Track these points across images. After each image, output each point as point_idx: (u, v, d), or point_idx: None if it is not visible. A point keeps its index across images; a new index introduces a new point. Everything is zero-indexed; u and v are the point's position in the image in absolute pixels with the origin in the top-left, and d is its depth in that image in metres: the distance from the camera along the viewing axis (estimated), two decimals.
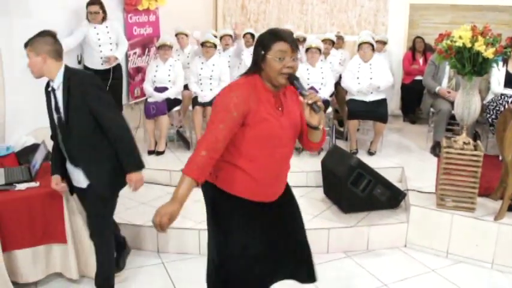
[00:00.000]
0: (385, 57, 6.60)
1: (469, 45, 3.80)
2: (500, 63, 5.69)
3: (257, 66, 2.34)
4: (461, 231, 4.02)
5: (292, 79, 2.30)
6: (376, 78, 5.59)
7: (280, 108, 2.37)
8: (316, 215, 4.37)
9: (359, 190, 4.26)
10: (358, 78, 5.67)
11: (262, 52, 2.30)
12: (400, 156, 5.55)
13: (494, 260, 3.94)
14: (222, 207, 2.45)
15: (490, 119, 5.44)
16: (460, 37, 3.83)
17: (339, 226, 4.19)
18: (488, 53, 3.76)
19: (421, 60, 7.38)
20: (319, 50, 5.80)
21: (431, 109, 5.88)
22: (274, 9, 8.81)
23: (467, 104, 3.99)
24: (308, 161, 5.34)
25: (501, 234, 3.89)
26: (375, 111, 5.56)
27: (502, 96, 5.48)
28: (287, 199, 2.59)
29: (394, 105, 7.49)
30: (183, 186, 2.17)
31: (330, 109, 5.77)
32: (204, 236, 4.07)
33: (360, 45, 5.78)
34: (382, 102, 5.64)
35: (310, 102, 2.22)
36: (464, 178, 3.96)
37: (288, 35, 2.34)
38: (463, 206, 4.02)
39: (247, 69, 2.43)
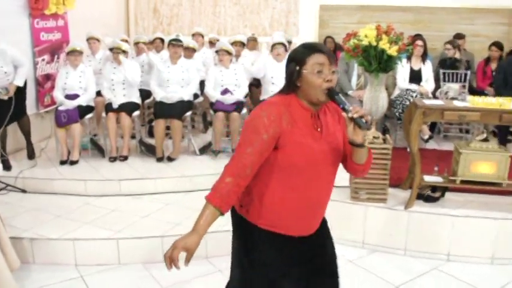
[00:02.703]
0: None
1: (374, 43, 3.95)
2: (405, 60, 5.99)
3: (292, 84, 2.09)
4: (375, 222, 4.19)
5: (333, 94, 2.05)
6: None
7: (319, 129, 2.12)
8: None
9: None
10: (272, 77, 5.75)
11: (297, 67, 2.06)
12: None
13: (406, 247, 4.14)
14: (253, 242, 2.20)
15: (397, 113, 5.71)
16: (366, 36, 3.97)
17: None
18: (392, 50, 3.94)
19: None
20: (229, 52, 5.83)
21: None
22: (186, 12, 8.78)
23: (375, 100, 4.15)
24: (224, 162, 5.30)
25: (411, 221, 4.11)
26: None
27: (407, 91, 5.78)
28: (322, 231, 2.31)
29: None
30: (205, 216, 1.97)
31: (244, 110, 5.81)
32: (124, 244, 4.07)
33: (272, 46, 5.88)
34: None
35: (355, 116, 1.97)
36: (376, 171, 4.12)
37: (323, 46, 2.15)
38: (375, 197, 4.19)
39: (281, 88, 2.18)
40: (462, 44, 7.16)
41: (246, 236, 2.22)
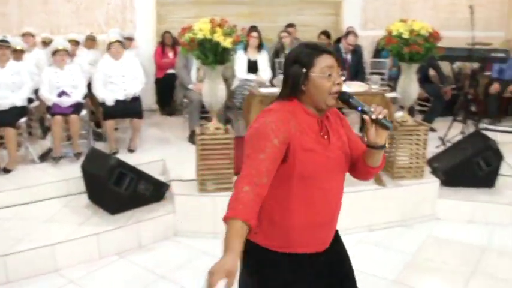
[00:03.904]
0: (135, 54, 6.62)
1: (209, 36, 4.00)
2: (242, 52, 6.18)
3: (296, 88, 1.91)
4: (224, 211, 4.24)
5: (346, 97, 1.91)
6: (127, 77, 5.59)
7: (326, 136, 1.95)
8: (83, 222, 4.20)
9: (122, 189, 4.22)
10: (110, 76, 5.58)
11: (303, 70, 1.88)
12: (161, 149, 5.66)
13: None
14: (267, 268, 1.99)
15: (238, 103, 5.87)
16: (201, 29, 4.01)
17: (108, 229, 4.09)
18: (227, 42, 4.02)
19: (171, 54, 7.58)
20: (67, 51, 5.56)
21: (185, 100, 6.11)
22: (14, 10, 8.12)
23: (214, 92, 4.22)
24: (66, 168, 5.10)
25: None
26: (130, 109, 5.56)
27: (246, 81, 5.96)
28: (336, 245, 2.13)
29: (150, 100, 7.55)
30: (232, 235, 1.66)
31: (84, 112, 5.58)
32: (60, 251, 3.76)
33: (109, 44, 5.70)
34: (136, 99, 5.66)
35: (380, 117, 1.84)
36: (220, 161, 4.20)
37: (329, 47, 1.99)
38: (222, 187, 4.27)
39: (280, 93, 2.00)
40: (293, 32, 7.53)
41: (257, 264, 2.01)
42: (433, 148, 5.53)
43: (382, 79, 7.45)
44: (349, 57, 6.59)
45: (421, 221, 4.57)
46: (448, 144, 5.61)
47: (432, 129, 6.36)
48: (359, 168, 2.05)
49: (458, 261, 3.98)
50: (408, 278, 3.72)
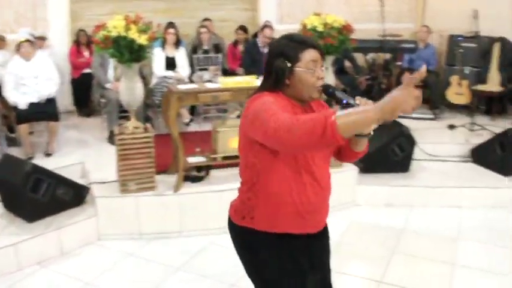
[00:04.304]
0: (49, 54, 6.37)
1: (123, 34, 3.93)
2: (159, 48, 6.10)
3: (280, 82, 1.93)
4: (148, 210, 4.22)
5: (330, 91, 1.93)
6: (40, 78, 5.37)
7: None
8: None
9: (40, 196, 4.06)
10: (22, 78, 5.34)
11: (289, 64, 1.90)
12: (80, 151, 5.49)
13: (181, 228, 4.27)
14: (268, 252, 2.04)
15: (157, 101, 5.80)
16: (115, 27, 3.93)
17: (26, 238, 3.92)
18: (142, 39, 3.96)
19: (86, 53, 7.35)
20: None
21: (102, 100, 5.96)
22: None
23: (131, 90, 4.16)
24: None
25: (182, 203, 4.26)
26: (45, 111, 5.34)
27: (164, 79, 5.90)
28: (325, 229, 2.23)
29: (66, 102, 7.25)
30: (353, 114, 1.63)
31: None
32: None
33: (18, 44, 5.45)
34: (51, 101, 5.45)
35: None
36: (141, 160, 4.15)
37: (313, 40, 1.99)
38: (145, 186, 4.22)
39: (260, 86, 2.02)
40: (210, 26, 7.53)
41: (257, 249, 2.06)
42: None
43: None
44: (266, 50, 6.66)
45: (342, 208, 4.71)
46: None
47: None
48: (345, 153, 2.12)
49: (379, 244, 4.15)
50: (332, 264, 3.82)
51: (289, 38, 1.96)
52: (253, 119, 1.85)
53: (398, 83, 7.62)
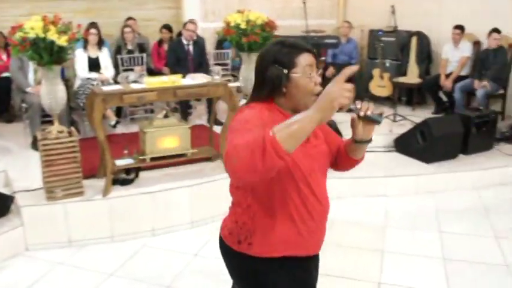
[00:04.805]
0: None
1: (42, 35, 3.79)
2: (81, 49, 5.94)
3: (277, 90, 1.80)
4: (77, 217, 4.11)
5: None
6: None
7: None
8: None
9: None
10: None
11: (285, 71, 1.77)
12: (2, 159, 5.24)
13: (113, 233, 4.19)
14: (268, 278, 1.89)
15: (81, 104, 5.64)
16: (32, 28, 3.78)
17: None
18: (62, 40, 3.84)
19: (4, 56, 7.03)
20: None
21: (23, 104, 5.73)
22: None
23: (53, 93, 4.02)
24: None
25: (112, 207, 4.17)
26: None
27: (88, 80, 5.75)
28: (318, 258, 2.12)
29: None
30: (293, 120, 1.49)
31: None
32: None
33: None
34: None
35: (369, 113, 1.77)
36: (67, 165, 4.02)
37: (305, 43, 1.86)
38: (72, 192, 4.10)
39: (252, 95, 1.87)
40: (133, 25, 7.40)
41: (255, 275, 1.91)
42: None
43: (226, 69, 7.64)
44: (191, 48, 6.63)
45: None
46: None
47: None
48: (342, 161, 2.04)
49: None
50: None
51: (280, 44, 1.83)
52: (228, 134, 1.73)
53: (323, 77, 7.80)
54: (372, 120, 1.80)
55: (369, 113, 1.78)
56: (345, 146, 1.99)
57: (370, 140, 1.89)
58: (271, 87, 1.80)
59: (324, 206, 1.96)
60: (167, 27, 7.52)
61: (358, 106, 1.79)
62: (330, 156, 2.01)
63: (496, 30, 6.53)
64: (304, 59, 1.78)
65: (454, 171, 5.35)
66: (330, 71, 7.68)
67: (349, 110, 1.77)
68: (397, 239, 4.21)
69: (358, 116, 1.80)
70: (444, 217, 4.65)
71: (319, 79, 1.81)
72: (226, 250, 1.98)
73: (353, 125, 1.84)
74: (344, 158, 2.02)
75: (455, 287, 3.53)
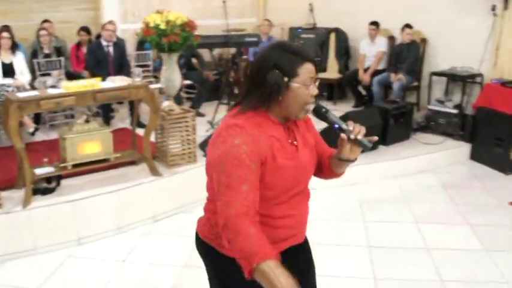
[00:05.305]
0: None
1: None
2: None
3: (274, 98, 1.72)
4: None
5: (323, 112, 1.82)
6: None
7: (295, 142, 1.83)
8: None
9: None
10: None
11: (285, 79, 1.69)
12: None
13: (36, 245, 4.01)
14: (240, 278, 1.69)
15: None
16: None
17: None
18: None
19: None
20: None
21: None
22: None
23: None
24: None
25: (34, 218, 3.99)
26: None
27: (2, 87, 5.51)
28: (307, 248, 2.09)
29: None
30: (273, 275, 1.46)
31: None
32: None
33: None
34: None
35: (359, 137, 1.77)
36: None
37: (308, 51, 1.78)
38: None
39: (241, 101, 1.80)
40: (50, 27, 7.13)
41: (229, 273, 1.82)
42: (204, 132, 5.80)
43: (148, 71, 7.54)
44: (111, 50, 6.49)
45: (200, 203, 4.73)
46: (216, 127, 5.92)
47: (200, 114, 6.67)
48: (324, 171, 2.02)
49: None
50: (197, 260, 3.85)
51: (282, 48, 1.75)
52: (217, 165, 1.69)
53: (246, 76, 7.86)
54: (361, 145, 1.81)
55: (359, 137, 1.78)
56: (329, 158, 1.98)
57: (354, 160, 1.89)
58: (269, 94, 1.72)
59: (306, 204, 1.97)
60: (85, 29, 7.31)
61: (351, 128, 1.79)
62: (316, 162, 1.98)
63: (408, 26, 6.84)
64: (307, 70, 1.73)
65: (375, 162, 5.56)
66: None
67: (341, 130, 1.80)
68: (324, 231, 4.32)
69: (348, 138, 1.80)
70: (367, 207, 4.84)
71: (316, 91, 1.77)
72: (200, 244, 1.98)
73: (341, 144, 1.83)
74: (326, 169, 2.01)
75: (380, 272, 3.68)
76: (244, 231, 1.56)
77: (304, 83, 1.72)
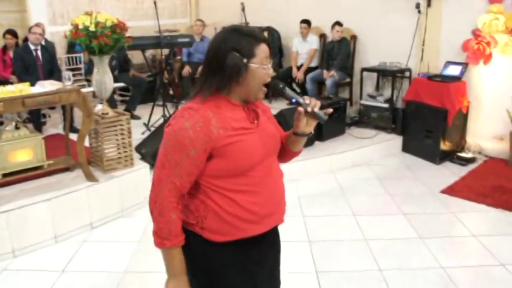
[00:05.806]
0: None
1: None
2: None
3: (234, 80, 1.77)
4: None
5: (280, 88, 1.88)
6: None
7: (255, 121, 1.88)
8: None
9: None
10: None
11: (244, 60, 1.74)
12: None
13: None
14: (218, 263, 1.90)
15: None
16: None
17: None
18: None
19: None
20: None
21: None
22: None
23: None
24: None
25: None
26: None
27: None
28: (276, 236, 2.16)
29: None
30: (174, 258, 1.83)
31: None
32: None
33: None
34: None
35: (316, 110, 1.82)
36: None
37: (261, 33, 1.84)
38: None
39: (201, 87, 1.81)
40: None
41: (208, 259, 1.90)
42: (140, 135, 5.72)
43: (80, 74, 7.36)
44: (39, 53, 6.28)
45: (139, 207, 4.71)
46: (152, 129, 5.88)
47: (136, 117, 6.58)
48: (282, 153, 2.07)
49: None
50: (138, 265, 3.82)
51: (237, 31, 1.80)
52: (163, 142, 1.79)
53: (180, 76, 7.83)
54: (317, 117, 1.86)
55: (316, 109, 1.83)
56: (285, 138, 2.06)
57: (310, 134, 1.95)
58: (229, 76, 1.77)
59: (277, 184, 2.02)
60: (11, 32, 7.02)
61: (307, 101, 1.84)
62: (279, 139, 2.03)
63: (338, 23, 7.01)
64: (263, 50, 1.79)
65: (313, 157, 5.66)
66: (186, 70, 7.71)
67: (298, 104, 1.85)
68: None
69: (305, 111, 1.85)
70: (306, 202, 4.92)
71: (271, 71, 1.84)
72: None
73: (297, 117, 1.89)
74: (283, 149, 2.07)
75: (321, 266, 3.76)
76: (167, 214, 1.77)
77: (261, 63, 1.78)
